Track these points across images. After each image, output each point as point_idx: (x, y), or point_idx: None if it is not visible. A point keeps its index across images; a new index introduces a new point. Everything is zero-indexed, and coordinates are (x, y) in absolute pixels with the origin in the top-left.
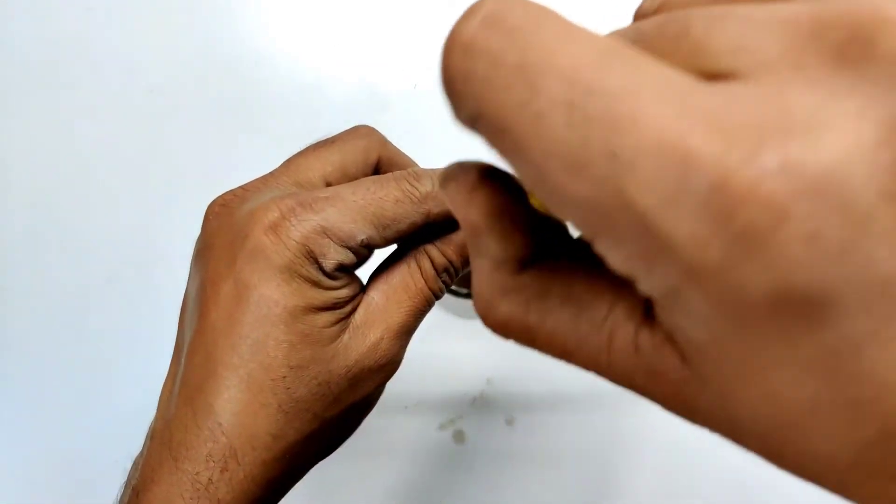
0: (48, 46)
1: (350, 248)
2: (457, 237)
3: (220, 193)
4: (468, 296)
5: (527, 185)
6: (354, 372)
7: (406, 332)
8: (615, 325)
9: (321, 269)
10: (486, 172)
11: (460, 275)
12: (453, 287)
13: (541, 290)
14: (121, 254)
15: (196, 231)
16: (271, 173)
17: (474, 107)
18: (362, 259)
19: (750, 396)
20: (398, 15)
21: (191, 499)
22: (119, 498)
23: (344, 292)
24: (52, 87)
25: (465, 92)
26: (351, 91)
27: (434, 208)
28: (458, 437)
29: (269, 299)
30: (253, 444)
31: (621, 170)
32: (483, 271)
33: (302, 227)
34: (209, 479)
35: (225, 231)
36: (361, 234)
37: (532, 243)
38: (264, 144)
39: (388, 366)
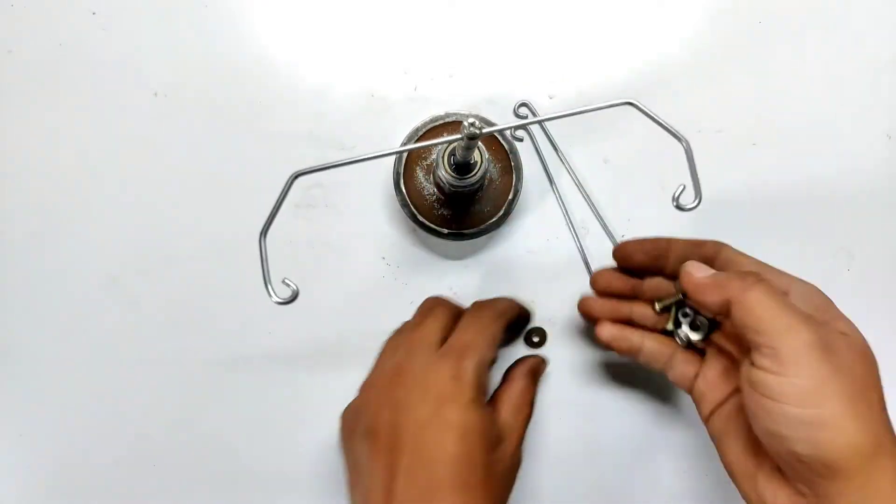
0: (52, 50)
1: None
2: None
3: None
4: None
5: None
6: (510, 478)
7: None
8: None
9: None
10: None
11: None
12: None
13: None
14: (125, 255)
15: (200, 231)
16: (395, 347)
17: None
18: None
19: None
20: (399, 18)
21: None
22: None
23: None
24: (58, 91)
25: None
26: (352, 94)
27: (506, 323)
28: None
29: (471, 429)
30: None
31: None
32: None
33: (473, 369)
34: None
35: (408, 391)
36: (493, 356)
37: None
38: (268, 147)
39: (519, 466)
